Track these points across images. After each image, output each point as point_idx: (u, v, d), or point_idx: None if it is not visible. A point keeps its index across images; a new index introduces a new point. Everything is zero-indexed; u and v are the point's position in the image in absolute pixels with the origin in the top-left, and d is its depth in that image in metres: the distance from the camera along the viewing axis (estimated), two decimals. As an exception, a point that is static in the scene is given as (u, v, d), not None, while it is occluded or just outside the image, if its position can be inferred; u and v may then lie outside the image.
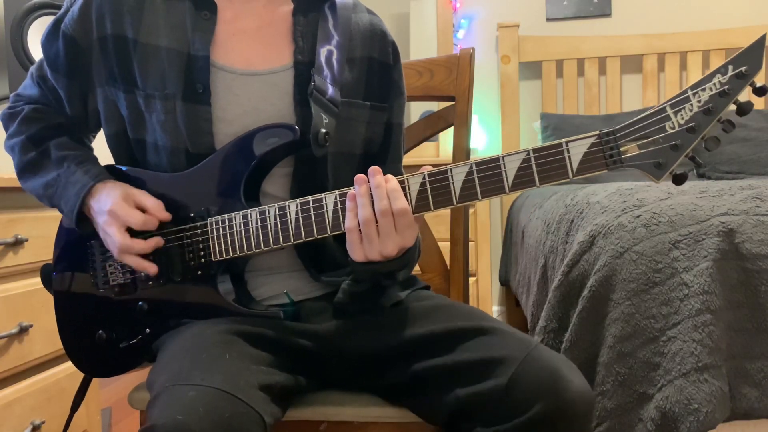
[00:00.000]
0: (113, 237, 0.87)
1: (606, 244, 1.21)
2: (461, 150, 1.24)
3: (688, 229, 1.17)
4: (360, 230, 0.78)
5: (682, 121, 0.69)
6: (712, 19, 2.84)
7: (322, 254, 0.93)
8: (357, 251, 0.79)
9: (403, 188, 0.78)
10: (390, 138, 1.01)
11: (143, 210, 0.88)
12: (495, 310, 2.99)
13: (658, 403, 1.09)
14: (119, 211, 0.86)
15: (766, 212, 1.18)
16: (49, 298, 1.01)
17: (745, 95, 0.67)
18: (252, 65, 0.91)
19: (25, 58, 1.56)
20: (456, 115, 1.25)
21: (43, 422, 1.33)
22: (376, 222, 0.76)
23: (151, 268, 0.88)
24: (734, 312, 1.15)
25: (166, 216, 0.88)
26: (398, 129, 1.02)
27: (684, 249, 1.15)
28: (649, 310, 1.13)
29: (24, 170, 0.97)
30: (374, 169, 0.77)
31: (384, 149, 1.01)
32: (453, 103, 1.25)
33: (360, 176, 0.78)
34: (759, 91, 0.67)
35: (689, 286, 1.12)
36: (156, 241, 0.88)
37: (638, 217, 1.22)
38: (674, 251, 1.15)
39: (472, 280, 2.68)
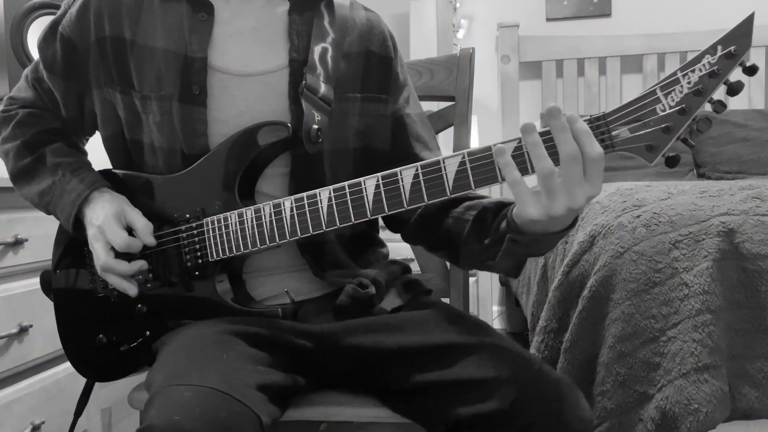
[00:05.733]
0: (97, 254, 0.88)
1: (606, 244, 1.21)
2: (461, 150, 1.23)
3: (688, 229, 1.17)
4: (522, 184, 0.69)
5: (672, 103, 0.68)
6: (712, 19, 2.84)
7: (323, 253, 0.93)
8: (532, 207, 0.69)
9: (396, 181, 0.77)
10: (405, 130, 0.98)
11: (133, 229, 0.88)
12: (495, 310, 2.99)
13: (658, 403, 1.09)
14: (107, 229, 0.87)
15: (766, 212, 1.18)
16: (49, 299, 1.01)
17: (736, 75, 0.66)
18: (248, 66, 0.91)
19: (25, 58, 1.56)
20: (456, 115, 1.24)
21: (43, 422, 1.33)
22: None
23: (131, 290, 0.88)
24: (734, 312, 1.15)
25: (150, 241, 0.88)
26: (408, 119, 0.99)
27: (684, 249, 1.15)
28: (649, 310, 1.13)
29: (18, 176, 0.97)
30: (555, 109, 0.67)
31: (402, 141, 0.98)
32: (453, 103, 1.25)
33: (528, 124, 0.68)
34: (749, 71, 0.66)
35: (689, 286, 1.12)
36: (140, 266, 0.88)
37: (638, 217, 1.22)
38: (674, 251, 1.15)
39: (472, 280, 2.68)
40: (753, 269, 1.14)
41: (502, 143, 0.72)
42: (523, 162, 0.71)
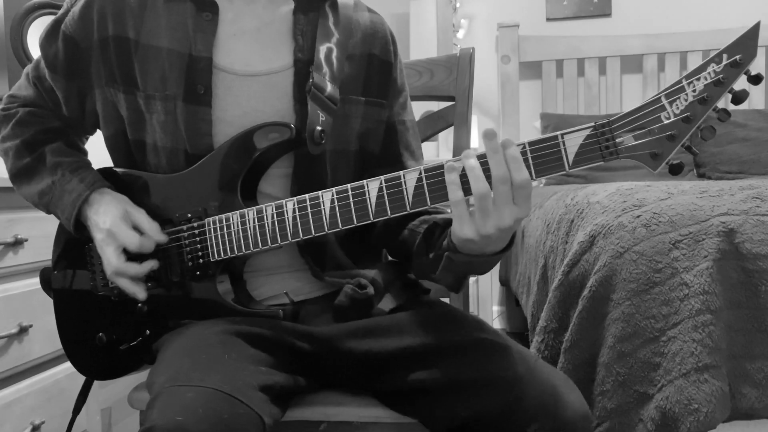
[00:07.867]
0: (109, 258, 0.87)
1: (606, 244, 1.21)
2: (461, 150, 1.23)
3: (688, 229, 1.17)
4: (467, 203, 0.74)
5: (677, 111, 0.69)
6: (712, 19, 2.84)
7: (324, 253, 0.93)
8: (467, 226, 0.73)
9: (399, 184, 0.77)
10: (396, 136, 1.00)
11: (140, 230, 0.88)
12: (495, 310, 2.99)
13: (658, 403, 1.09)
14: (117, 232, 0.86)
15: (766, 212, 1.18)
16: (49, 298, 1.01)
17: (741, 84, 0.66)
18: (252, 66, 0.91)
19: (24, 58, 1.56)
20: (456, 115, 1.24)
21: (43, 422, 1.33)
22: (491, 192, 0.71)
23: (141, 293, 0.88)
24: (734, 312, 1.15)
25: (162, 239, 0.88)
26: (402, 125, 1.01)
27: (684, 249, 1.15)
28: (650, 310, 1.13)
29: (18, 175, 0.97)
30: (490, 132, 0.71)
31: (392, 146, 0.99)
32: (453, 103, 1.25)
33: (468, 151, 0.73)
34: (754, 79, 0.66)
35: (689, 286, 1.12)
36: (151, 265, 0.88)
37: (638, 217, 1.22)
38: (674, 251, 1.15)
39: (472, 280, 2.68)
40: (753, 269, 1.14)
41: (453, 161, 0.74)
42: (527, 167, 0.72)
